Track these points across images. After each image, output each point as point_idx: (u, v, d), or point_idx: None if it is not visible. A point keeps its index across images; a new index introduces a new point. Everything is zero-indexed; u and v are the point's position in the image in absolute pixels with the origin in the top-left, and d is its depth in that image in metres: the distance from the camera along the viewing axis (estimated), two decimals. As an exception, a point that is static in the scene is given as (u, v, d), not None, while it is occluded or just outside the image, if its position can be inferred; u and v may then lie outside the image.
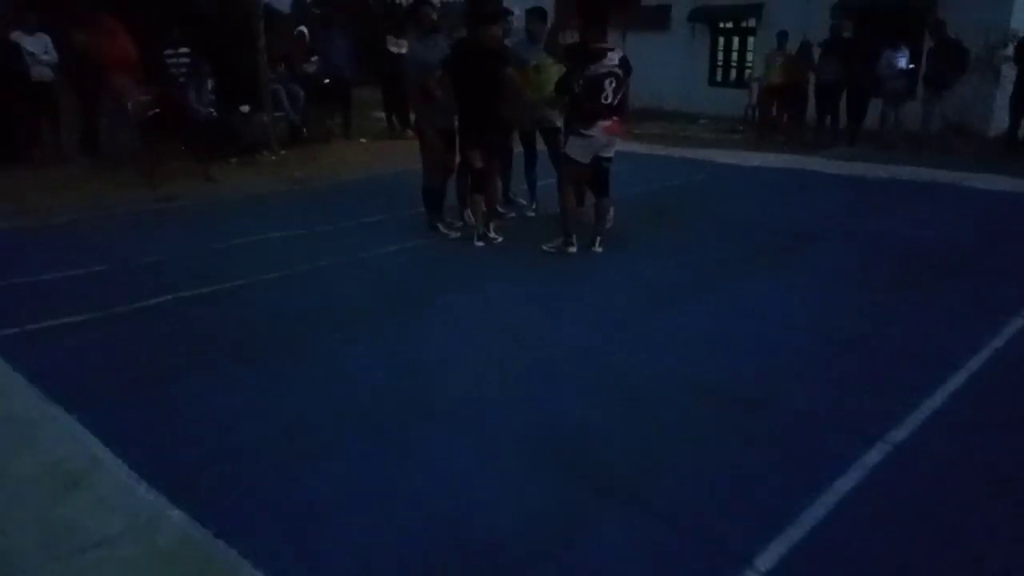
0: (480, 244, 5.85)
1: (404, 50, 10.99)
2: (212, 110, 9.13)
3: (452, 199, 6.34)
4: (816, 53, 11.38)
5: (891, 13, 12.52)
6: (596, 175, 5.71)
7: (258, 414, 3.22)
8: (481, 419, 3.19)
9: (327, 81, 10.86)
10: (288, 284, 4.95)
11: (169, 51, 10.09)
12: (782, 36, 11.57)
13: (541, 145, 6.64)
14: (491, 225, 6.00)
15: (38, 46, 8.46)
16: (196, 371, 3.60)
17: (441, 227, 6.18)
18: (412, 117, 11.33)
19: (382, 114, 13.31)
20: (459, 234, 6.10)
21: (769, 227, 6.51)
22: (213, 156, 8.41)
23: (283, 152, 9.94)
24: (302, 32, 10.94)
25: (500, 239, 5.96)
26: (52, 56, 8.63)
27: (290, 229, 6.28)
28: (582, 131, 5.48)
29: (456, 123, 5.84)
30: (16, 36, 8.00)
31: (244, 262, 5.38)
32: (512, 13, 6.55)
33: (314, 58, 10.76)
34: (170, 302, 4.53)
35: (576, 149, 5.56)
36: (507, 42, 6.16)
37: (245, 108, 9.55)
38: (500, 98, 5.68)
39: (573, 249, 5.68)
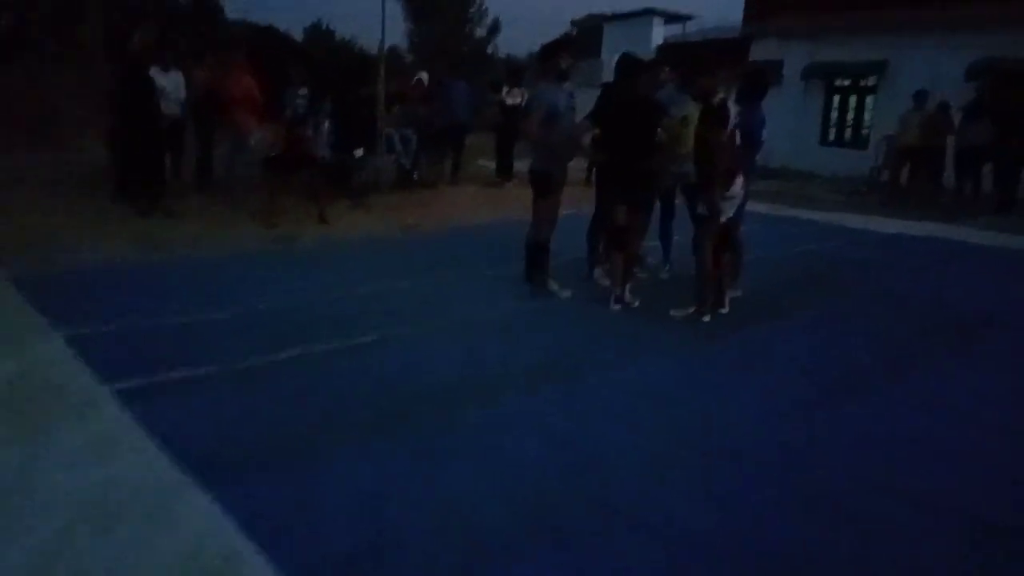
0: (617, 307, 5.39)
1: (519, 100, 10.85)
2: (327, 151, 9.08)
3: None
4: (956, 115, 10.61)
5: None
6: (727, 233, 5.34)
7: (412, 498, 2.79)
8: (671, 523, 2.68)
9: (438, 127, 10.76)
10: (422, 341, 4.58)
11: (289, 91, 10.21)
12: (921, 96, 10.86)
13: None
14: (627, 287, 5.53)
15: (171, 83, 8.61)
16: (339, 441, 3.22)
17: (552, 284, 5.72)
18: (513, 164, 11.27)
19: (487, 162, 13.21)
20: (570, 293, 5.67)
21: (936, 304, 5.82)
22: (328, 197, 8.29)
23: (393, 196, 9.81)
24: (421, 79, 10.92)
25: (637, 302, 5.48)
26: (182, 94, 8.78)
27: (412, 278, 5.97)
28: (725, 193, 5.14)
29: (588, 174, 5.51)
30: (153, 72, 8.15)
31: (371, 314, 5.06)
32: (663, 65, 6.17)
33: (429, 104, 10.70)
34: (301, 356, 4.21)
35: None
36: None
37: (359, 151, 9.48)
38: (651, 151, 5.27)
39: (708, 318, 5.19)
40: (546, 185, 5.51)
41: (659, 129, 5.29)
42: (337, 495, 2.81)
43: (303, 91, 10.27)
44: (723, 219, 5.21)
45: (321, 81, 10.80)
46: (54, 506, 2.64)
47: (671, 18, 21.80)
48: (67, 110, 13.30)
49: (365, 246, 7.29)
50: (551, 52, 5.46)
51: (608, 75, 12.46)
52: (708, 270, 5.27)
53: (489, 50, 40.84)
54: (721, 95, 5.19)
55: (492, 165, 12.39)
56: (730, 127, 5.09)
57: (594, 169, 9.69)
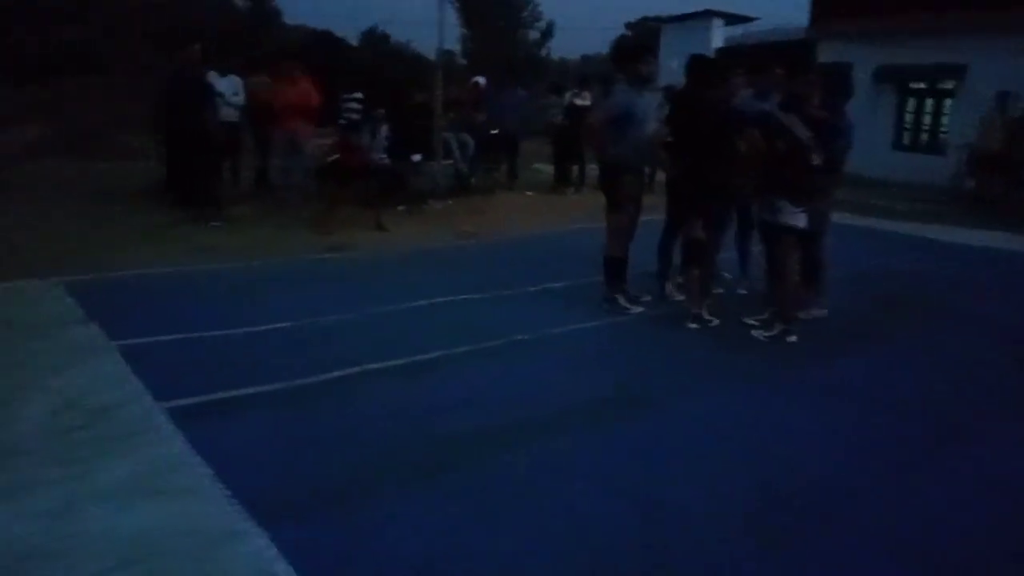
0: (694, 327, 5.03)
1: (588, 102, 10.54)
2: (384, 156, 8.91)
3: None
4: (1049, 119, 9.91)
5: None
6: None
7: (472, 561, 2.48)
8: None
9: (495, 132, 10.51)
10: (482, 362, 4.29)
11: (344, 96, 10.10)
12: (1003, 97, 10.16)
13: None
14: (704, 304, 5.17)
15: (228, 87, 8.55)
16: (398, 483, 2.93)
17: (621, 300, 5.40)
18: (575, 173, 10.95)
19: (543, 166, 12.93)
20: (641, 309, 5.34)
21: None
22: (384, 204, 8.09)
23: (449, 202, 9.59)
24: (478, 82, 10.69)
25: (716, 321, 5.10)
26: (241, 98, 8.71)
27: (470, 291, 5.69)
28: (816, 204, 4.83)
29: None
30: (210, 77, 8.09)
31: (429, 330, 4.81)
32: (739, 68, 5.78)
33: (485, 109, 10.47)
34: (358, 376, 3.97)
35: (801, 218, 4.80)
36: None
37: (417, 157, 9.28)
38: (730, 161, 4.90)
39: (794, 339, 4.81)
40: (616, 193, 5.18)
41: (738, 139, 4.90)
42: (394, 548, 2.53)
43: (358, 96, 10.18)
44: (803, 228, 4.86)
45: (377, 86, 10.71)
46: (98, 550, 2.42)
47: (732, 19, 21.17)
48: (125, 119, 13.47)
49: (422, 256, 7.06)
50: (632, 55, 5.13)
51: (668, 77, 12.04)
52: (792, 284, 4.92)
53: (542, 54, 40.62)
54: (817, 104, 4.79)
55: (549, 170, 12.09)
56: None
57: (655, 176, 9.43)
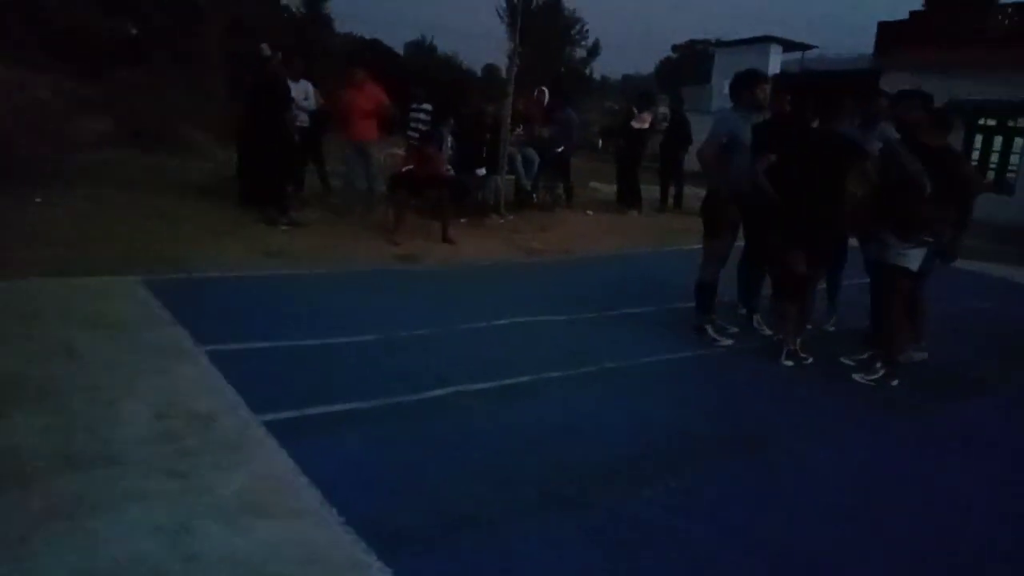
0: (789, 363, 4.81)
1: (646, 124, 10.38)
2: (449, 167, 8.82)
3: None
4: None
5: None
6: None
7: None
8: None
9: (560, 149, 10.36)
10: (576, 391, 4.10)
11: (413, 106, 10.06)
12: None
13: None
14: (798, 341, 4.95)
15: (299, 92, 8.51)
16: (511, 516, 2.77)
17: (710, 330, 5.21)
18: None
19: (599, 184, 12.78)
20: (731, 341, 5.15)
21: None
22: (451, 216, 7.98)
23: (511, 217, 9.45)
24: (543, 90, 10.56)
25: (810, 359, 4.89)
26: (311, 103, 8.68)
27: (549, 312, 5.53)
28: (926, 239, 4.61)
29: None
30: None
31: (517, 351, 4.65)
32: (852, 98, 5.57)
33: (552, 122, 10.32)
34: (455, 396, 3.82)
35: (913, 259, 4.61)
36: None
37: (482, 171, 9.17)
38: (840, 193, 4.69)
39: (896, 382, 4.59)
40: (715, 220, 5.01)
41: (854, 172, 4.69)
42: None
43: (427, 107, 10.14)
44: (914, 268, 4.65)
45: (444, 98, 10.64)
46: (223, 574, 2.29)
47: (790, 46, 20.93)
48: (185, 114, 13.56)
49: (492, 271, 6.92)
50: (749, 81, 4.97)
51: (722, 102, 11.81)
52: (901, 331, 4.73)
53: (588, 71, 40.57)
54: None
55: (605, 188, 11.91)
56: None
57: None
